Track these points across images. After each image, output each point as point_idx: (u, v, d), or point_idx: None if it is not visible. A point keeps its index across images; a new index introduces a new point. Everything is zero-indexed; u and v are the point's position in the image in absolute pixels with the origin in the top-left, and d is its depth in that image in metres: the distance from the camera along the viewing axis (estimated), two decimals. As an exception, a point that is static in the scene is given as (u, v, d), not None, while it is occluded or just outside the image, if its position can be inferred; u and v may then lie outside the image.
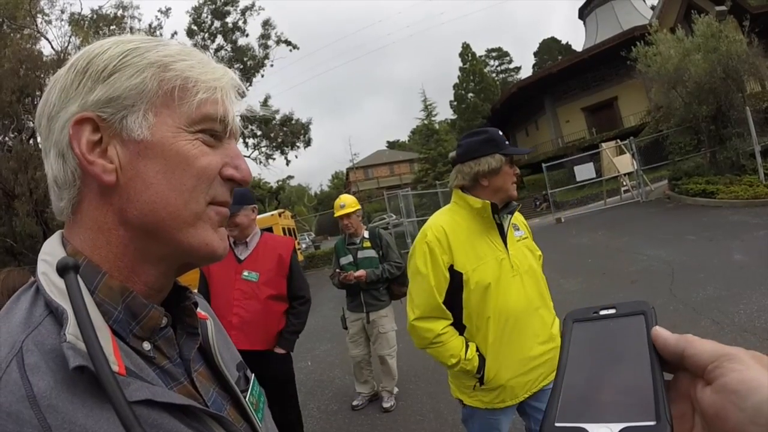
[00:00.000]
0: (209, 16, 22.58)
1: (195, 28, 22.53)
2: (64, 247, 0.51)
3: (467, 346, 1.73)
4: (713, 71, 10.38)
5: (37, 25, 15.27)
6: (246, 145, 23.26)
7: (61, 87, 0.50)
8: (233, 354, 0.69)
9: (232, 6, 22.42)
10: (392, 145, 65.04)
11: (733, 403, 0.27)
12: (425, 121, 35.91)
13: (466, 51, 41.77)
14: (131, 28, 17.22)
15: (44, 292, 0.46)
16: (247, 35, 22.95)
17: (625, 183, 14.52)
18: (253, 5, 22.62)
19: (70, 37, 15.52)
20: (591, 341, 0.39)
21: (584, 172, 15.08)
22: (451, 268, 1.73)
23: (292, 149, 24.72)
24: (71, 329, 0.41)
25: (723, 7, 11.42)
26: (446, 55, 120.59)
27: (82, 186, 0.50)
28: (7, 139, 14.27)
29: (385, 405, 3.97)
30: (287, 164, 33.10)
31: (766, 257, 5.48)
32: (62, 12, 16.27)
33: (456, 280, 1.73)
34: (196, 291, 0.66)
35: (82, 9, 27.24)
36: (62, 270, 0.43)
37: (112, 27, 16.45)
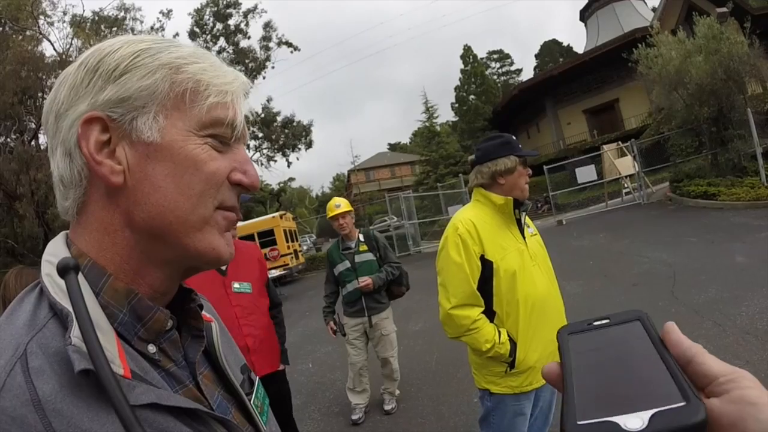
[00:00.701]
0: (211, 19, 22.68)
1: (197, 30, 22.62)
2: (69, 248, 0.50)
3: (499, 333, 1.85)
4: (714, 73, 10.37)
5: (39, 27, 15.32)
6: (247, 146, 23.23)
7: (70, 84, 0.50)
8: (237, 357, 0.69)
9: (235, 8, 22.50)
10: (393, 147, 64.94)
11: (752, 415, 0.30)
12: (426, 123, 35.84)
13: (467, 53, 41.77)
14: (132, 30, 17.26)
15: (48, 294, 0.45)
16: (249, 37, 23.07)
17: (626, 185, 14.50)
18: (255, 8, 22.73)
19: (71, 38, 15.58)
20: (592, 348, 0.38)
21: (585, 174, 15.05)
22: (482, 258, 1.87)
23: (293, 151, 24.82)
24: (76, 332, 0.40)
25: (724, 9, 11.44)
26: (447, 57, 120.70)
27: (89, 186, 0.50)
28: (8, 140, 14.30)
29: (387, 407, 3.95)
30: (288, 166, 33.12)
31: (767, 259, 5.46)
32: (64, 14, 16.37)
33: (487, 269, 1.87)
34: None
35: (84, 11, 27.30)
36: (62, 271, 0.42)
37: (113, 29, 16.51)
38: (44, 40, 15.48)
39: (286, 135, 24.35)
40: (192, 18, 22.77)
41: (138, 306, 0.49)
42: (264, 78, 23.22)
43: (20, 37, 14.50)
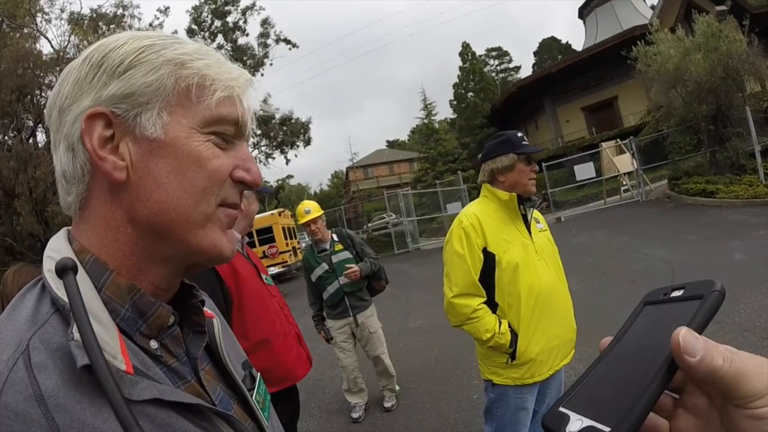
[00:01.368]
0: (209, 16, 22.58)
1: (195, 27, 22.53)
2: (71, 244, 0.50)
3: (500, 323, 1.90)
4: (713, 71, 10.37)
5: (36, 24, 15.25)
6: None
7: (74, 79, 0.49)
8: (239, 353, 0.69)
9: (233, 5, 22.42)
10: (392, 144, 64.96)
11: None
12: (425, 121, 35.71)
13: (465, 50, 41.68)
14: (130, 27, 17.20)
15: (50, 290, 0.45)
16: (247, 35, 22.98)
17: (625, 182, 14.52)
18: (253, 5, 22.63)
19: (69, 36, 15.51)
20: (643, 330, 0.38)
21: (584, 171, 15.04)
22: (484, 250, 1.94)
23: (291, 148, 24.77)
24: None
25: (723, 7, 11.42)
26: (446, 54, 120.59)
27: (92, 182, 0.50)
28: (6, 138, 14.25)
29: (387, 405, 3.96)
30: (287, 163, 33.20)
31: (766, 257, 5.46)
32: (62, 11, 16.34)
33: (489, 261, 1.93)
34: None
35: (81, 8, 27.20)
36: (61, 271, 0.42)
37: (111, 26, 16.44)
38: (42, 37, 15.43)
39: (284, 132, 24.30)
40: (190, 15, 22.71)
41: (140, 302, 0.49)
42: (262, 75, 23.15)
43: (17, 35, 14.44)
